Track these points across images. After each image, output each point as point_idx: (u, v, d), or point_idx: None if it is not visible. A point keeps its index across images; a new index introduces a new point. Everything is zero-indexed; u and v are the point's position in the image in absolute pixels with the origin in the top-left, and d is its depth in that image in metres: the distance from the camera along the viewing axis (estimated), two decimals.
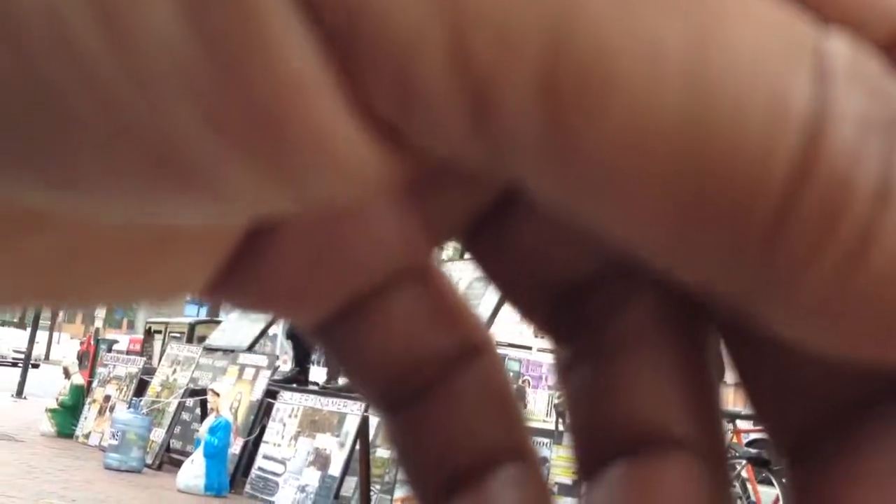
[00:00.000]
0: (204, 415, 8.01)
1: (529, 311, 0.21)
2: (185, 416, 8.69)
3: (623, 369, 0.19)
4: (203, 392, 8.15)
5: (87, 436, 9.59)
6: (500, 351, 0.22)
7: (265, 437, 7.52)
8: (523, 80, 0.12)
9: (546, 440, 6.61)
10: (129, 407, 8.61)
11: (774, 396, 0.18)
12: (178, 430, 8.63)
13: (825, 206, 0.13)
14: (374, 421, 7.10)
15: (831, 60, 0.13)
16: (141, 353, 12.52)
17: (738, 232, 0.13)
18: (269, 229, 0.18)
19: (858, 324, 0.14)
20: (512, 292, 0.21)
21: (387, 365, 0.20)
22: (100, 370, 10.43)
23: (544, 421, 9.20)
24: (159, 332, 13.77)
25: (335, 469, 6.75)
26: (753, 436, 8.01)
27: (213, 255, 0.17)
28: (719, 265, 0.14)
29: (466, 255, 0.21)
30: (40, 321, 17.20)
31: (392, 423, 0.21)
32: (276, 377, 8.37)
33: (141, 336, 14.94)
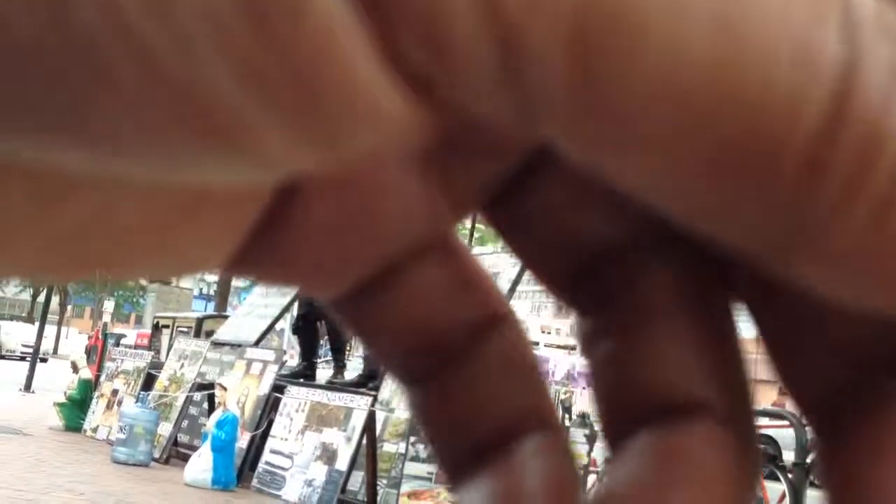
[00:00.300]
0: (211, 409, 8.03)
1: (552, 283, 0.21)
2: (193, 410, 8.71)
3: (647, 338, 0.19)
4: (210, 386, 8.17)
5: (94, 430, 9.63)
6: None
7: (272, 432, 7.54)
8: (552, 27, 0.12)
9: None
10: (136, 401, 8.64)
11: (800, 362, 0.18)
12: (185, 424, 8.65)
13: (858, 152, 0.13)
14: (380, 416, 7.11)
15: (858, 10, 0.13)
16: (149, 348, 12.56)
17: (770, 181, 0.13)
18: (294, 200, 0.18)
19: (890, 271, 0.14)
20: (535, 263, 0.21)
21: (410, 337, 0.20)
22: (108, 364, 10.46)
23: None
24: (167, 326, 13.81)
25: (342, 463, 6.77)
26: (760, 431, 7.99)
27: (239, 224, 0.17)
28: (751, 217, 0.14)
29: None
30: (48, 316, 17.25)
31: (416, 395, 0.21)
32: (283, 372, 8.39)
33: (149, 331, 14.97)
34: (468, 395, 0.20)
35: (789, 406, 7.61)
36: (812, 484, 6.62)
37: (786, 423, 6.72)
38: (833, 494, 0.17)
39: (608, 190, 0.14)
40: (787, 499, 6.23)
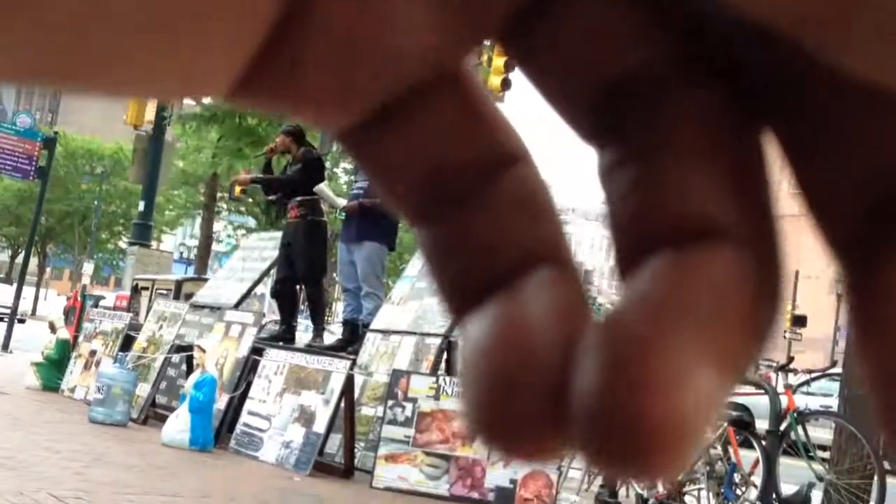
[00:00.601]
0: (190, 371, 8.02)
1: (571, 116, 0.20)
2: (171, 371, 8.70)
3: (668, 165, 0.18)
4: (189, 348, 8.16)
5: (72, 390, 9.61)
6: None
7: (250, 394, 7.55)
8: None
9: None
10: (114, 362, 8.61)
11: (830, 186, 0.18)
12: (163, 385, 8.65)
13: None
14: (359, 380, 7.13)
15: None
16: (128, 310, 12.51)
17: None
18: (302, 18, 0.17)
19: None
20: (554, 94, 0.20)
21: (421, 173, 0.20)
22: (86, 325, 10.42)
23: None
24: (146, 289, 13.75)
25: (320, 426, 6.79)
26: (734, 399, 8.08)
27: (248, 35, 0.16)
28: None
29: None
30: (27, 277, 17.16)
31: (426, 234, 0.21)
32: (262, 335, 8.38)
33: (128, 293, 14.91)
34: (479, 231, 0.20)
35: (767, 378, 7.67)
36: (785, 451, 6.70)
37: (760, 391, 6.79)
38: (860, 327, 0.17)
39: (632, 11, 0.14)
40: (761, 465, 6.30)
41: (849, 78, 0.15)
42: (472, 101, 0.20)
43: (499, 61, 14.16)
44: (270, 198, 9.38)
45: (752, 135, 0.19)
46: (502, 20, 0.19)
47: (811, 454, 6.63)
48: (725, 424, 6.33)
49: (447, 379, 6.73)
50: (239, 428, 7.38)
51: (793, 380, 7.24)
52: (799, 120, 0.18)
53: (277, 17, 0.17)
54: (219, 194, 23.72)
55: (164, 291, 12.83)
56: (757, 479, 6.29)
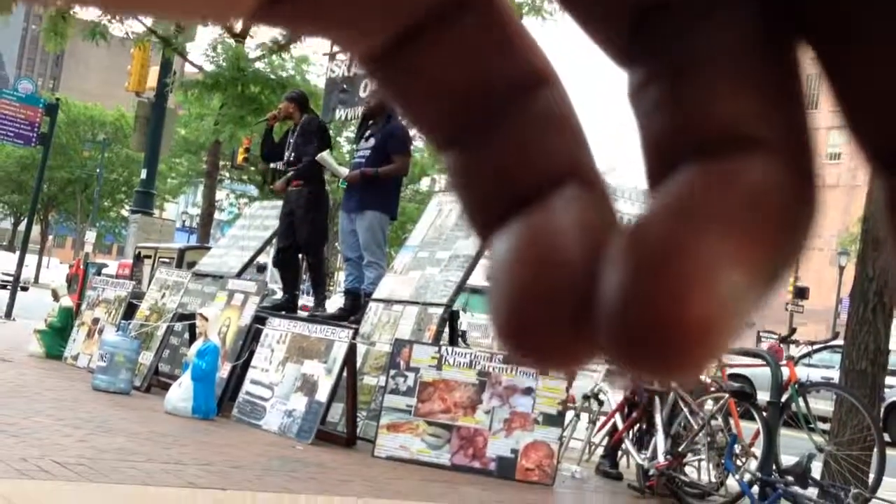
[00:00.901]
0: (192, 339, 8.04)
1: (604, 37, 0.20)
2: (174, 340, 8.73)
3: (700, 78, 0.19)
4: (192, 317, 8.18)
5: (75, 357, 9.64)
6: None
7: (253, 363, 7.57)
8: None
9: (531, 370, 6.67)
10: (117, 330, 8.64)
11: (867, 99, 0.18)
12: (166, 354, 8.68)
13: None
14: (361, 349, 7.15)
15: None
16: (130, 278, 12.52)
17: None
18: None
19: None
20: (587, 17, 0.20)
21: (449, 95, 0.20)
22: (89, 293, 10.44)
23: None
24: (149, 257, 13.77)
25: (322, 395, 6.82)
26: (734, 370, 8.10)
27: None
28: None
29: None
30: (30, 245, 17.18)
31: (452, 156, 0.20)
32: (264, 304, 8.39)
33: (130, 261, 14.93)
34: (508, 152, 0.20)
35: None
36: (786, 423, 6.73)
37: (761, 362, 6.81)
38: None
39: None
40: (762, 436, 6.33)
41: None
42: (497, 21, 0.20)
43: None
44: (272, 166, 9.36)
45: (786, 50, 0.19)
46: None
47: (811, 426, 6.66)
48: (727, 396, 6.35)
49: (449, 349, 6.74)
50: (241, 397, 7.41)
51: (794, 351, 7.25)
52: (834, 32, 0.18)
53: None
54: (221, 162, 23.66)
55: (167, 260, 12.85)
56: (757, 450, 6.32)
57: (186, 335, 8.50)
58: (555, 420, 6.28)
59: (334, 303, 11.08)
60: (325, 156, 8.75)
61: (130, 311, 9.49)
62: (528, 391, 6.33)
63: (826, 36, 0.18)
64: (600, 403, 7.43)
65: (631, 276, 0.17)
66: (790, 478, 6.11)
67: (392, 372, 6.66)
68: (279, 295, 9.42)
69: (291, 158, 8.87)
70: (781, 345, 7.17)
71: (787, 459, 6.45)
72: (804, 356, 7.96)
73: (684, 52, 0.19)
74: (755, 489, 6.18)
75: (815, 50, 0.18)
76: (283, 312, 8.31)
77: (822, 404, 7.66)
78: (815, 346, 8.16)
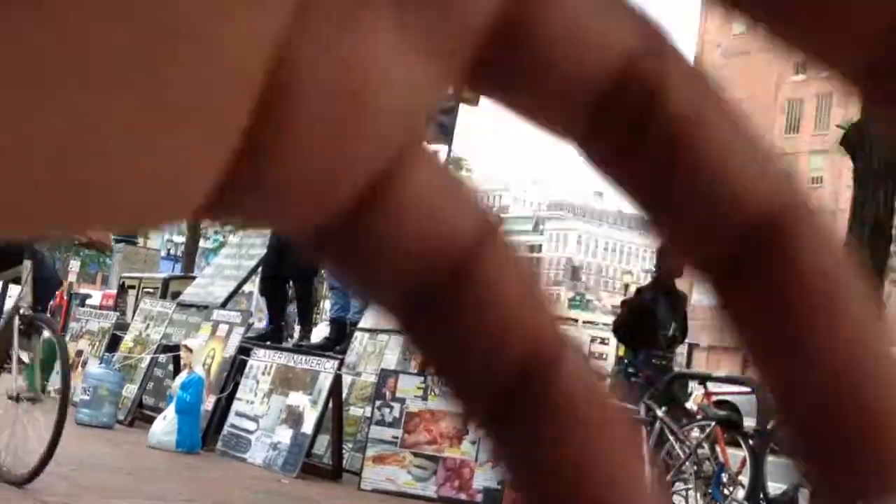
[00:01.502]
0: (177, 371, 7.99)
1: (561, 132, 0.19)
2: (158, 372, 8.66)
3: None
4: (176, 348, 8.12)
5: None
6: None
7: (238, 395, 7.52)
8: None
9: None
10: (101, 362, 8.58)
11: (841, 32, 0.18)
12: (150, 386, 8.60)
13: None
14: (346, 380, 7.12)
15: None
16: (115, 308, 12.46)
17: None
18: (278, 113, 0.16)
19: None
20: (541, 116, 0.19)
21: (407, 256, 0.18)
22: (72, 325, 10.37)
23: None
24: (133, 287, 13.70)
25: (307, 427, 6.77)
26: (721, 398, 8.10)
27: (219, 147, 0.16)
28: None
29: None
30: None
31: (414, 326, 0.19)
32: (249, 334, 8.35)
33: (115, 291, 14.85)
34: (472, 314, 0.18)
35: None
36: (772, 451, 6.72)
37: (747, 389, 6.81)
38: None
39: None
40: (748, 465, 6.32)
41: None
42: (441, 169, 0.18)
43: None
44: None
45: None
46: (468, 68, 0.18)
47: None
48: (714, 423, 6.35)
49: (435, 379, 6.71)
50: (226, 429, 7.35)
51: None
52: None
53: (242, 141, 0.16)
54: None
55: (152, 290, 12.79)
56: (744, 478, 6.31)
57: (171, 367, 8.44)
58: None
59: (320, 331, 11.04)
60: None
61: (114, 342, 9.43)
62: None
63: None
64: None
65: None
66: None
67: (378, 402, 6.62)
68: (261, 324, 9.37)
69: None
70: None
71: (774, 487, 6.44)
72: None
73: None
74: None
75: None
76: (268, 343, 8.27)
77: None
78: None
